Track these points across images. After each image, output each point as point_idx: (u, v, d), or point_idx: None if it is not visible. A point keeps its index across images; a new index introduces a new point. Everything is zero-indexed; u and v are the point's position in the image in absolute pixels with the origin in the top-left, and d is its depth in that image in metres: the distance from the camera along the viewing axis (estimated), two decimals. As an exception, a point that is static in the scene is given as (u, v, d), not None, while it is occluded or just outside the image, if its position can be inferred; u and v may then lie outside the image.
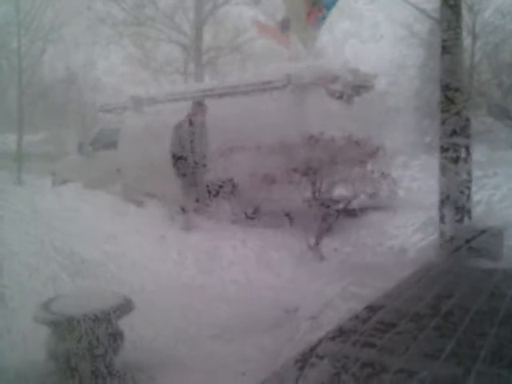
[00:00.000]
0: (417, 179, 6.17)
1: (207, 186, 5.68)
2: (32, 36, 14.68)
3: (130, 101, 8.01)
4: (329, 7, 5.37)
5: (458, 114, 4.47)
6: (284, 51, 9.56)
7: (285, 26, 5.70)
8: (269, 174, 5.11)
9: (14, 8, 14.03)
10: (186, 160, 5.91)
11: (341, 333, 2.11)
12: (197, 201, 5.78)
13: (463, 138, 4.51)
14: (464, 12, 6.68)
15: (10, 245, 3.90)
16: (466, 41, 12.02)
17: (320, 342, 2.01)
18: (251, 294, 3.96)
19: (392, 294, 2.76)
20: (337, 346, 1.98)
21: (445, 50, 4.58)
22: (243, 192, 5.77)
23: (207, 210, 5.82)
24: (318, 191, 5.13)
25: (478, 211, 4.77)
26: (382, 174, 5.25)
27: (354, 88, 6.37)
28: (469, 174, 4.54)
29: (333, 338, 2.04)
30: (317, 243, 5.00)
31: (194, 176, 5.84)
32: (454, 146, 4.49)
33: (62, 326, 2.58)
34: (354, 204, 5.33)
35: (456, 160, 4.49)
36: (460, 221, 4.42)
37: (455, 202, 4.46)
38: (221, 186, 5.71)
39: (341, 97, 6.25)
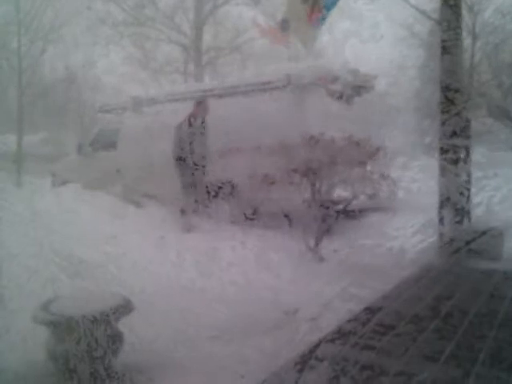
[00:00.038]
0: (416, 180, 6.16)
1: (206, 187, 5.67)
2: (32, 36, 14.65)
3: (129, 101, 8.00)
4: (329, 8, 5.36)
5: (457, 114, 4.46)
6: (284, 51, 9.57)
7: (284, 26, 5.69)
8: (268, 175, 5.10)
9: (14, 8, 14.02)
10: (185, 161, 5.90)
11: (340, 335, 2.10)
12: (196, 202, 5.78)
13: (463, 139, 4.50)
14: (464, 12, 6.67)
15: (9, 247, 3.90)
16: (466, 41, 12.01)
17: (319, 344, 2.01)
18: (250, 295, 3.95)
19: (391, 295, 2.75)
20: (336, 348, 1.97)
21: (445, 50, 4.57)
22: (243, 193, 5.76)
23: (207, 211, 5.81)
24: (317, 192, 5.13)
25: (477, 213, 4.76)
26: (382, 174, 5.24)
27: (354, 88, 6.36)
28: (468, 175, 4.53)
29: (332, 341, 2.03)
30: (316, 244, 5.00)
31: (193, 177, 5.84)
32: (453, 148, 4.48)
33: (61, 326, 2.58)
34: (354, 205, 5.33)
35: (456, 161, 4.48)
36: (460, 222, 4.42)
37: (455, 204, 4.45)
38: (220, 188, 5.70)
39: (341, 97, 6.24)
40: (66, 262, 3.95)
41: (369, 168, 5.26)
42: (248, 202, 5.66)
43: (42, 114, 19.38)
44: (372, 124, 6.23)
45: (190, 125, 5.98)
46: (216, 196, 5.68)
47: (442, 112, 4.55)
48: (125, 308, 2.75)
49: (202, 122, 5.94)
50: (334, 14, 5.79)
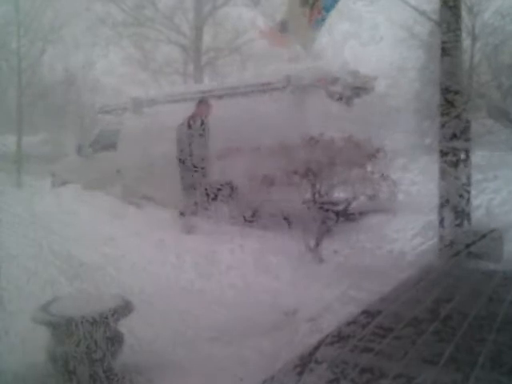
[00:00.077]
0: (416, 183, 6.15)
1: (205, 190, 5.66)
2: (32, 37, 14.65)
3: (129, 102, 8.01)
4: (328, 9, 5.36)
5: (457, 117, 4.46)
6: (284, 52, 9.57)
7: (283, 27, 5.69)
8: (268, 176, 5.10)
9: (13, 8, 14.01)
10: (184, 163, 5.90)
11: (339, 338, 2.10)
12: (195, 204, 5.77)
13: (463, 142, 4.50)
14: (464, 13, 6.67)
15: (9, 248, 3.90)
16: (466, 42, 12.02)
17: (318, 346, 2.01)
18: (249, 298, 3.95)
19: (390, 297, 2.75)
20: (335, 351, 1.97)
21: (444, 52, 4.57)
22: (242, 194, 5.76)
23: (207, 212, 5.81)
24: (317, 193, 5.12)
25: (477, 215, 4.76)
26: (382, 175, 5.25)
27: (353, 90, 6.36)
28: (468, 177, 4.53)
29: (331, 343, 2.03)
30: (316, 245, 5.00)
31: (192, 179, 5.83)
32: (453, 150, 4.48)
33: (61, 327, 2.58)
34: (354, 207, 5.33)
35: (456, 164, 4.48)
36: (460, 225, 4.41)
37: (455, 206, 4.44)
38: (219, 190, 5.70)
39: (340, 98, 6.24)
40: (66, 263, 3.95)
41: (369, 169, 5.27)
42: (247, 204, 5.66)
43: (42, 114, 19.36)
44: (372, 125, 6.23)
45: (189, 126, 5.97)
46: (215, 198, 5.67)
47: (442, 114, 4.54)
48: (124, 309, 2.75)
49: (202, 124, 5.93)
50: (334, 15, 5.79)
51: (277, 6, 10.84)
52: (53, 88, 19.31)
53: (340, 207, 5.20)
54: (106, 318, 2.62)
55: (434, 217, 4.59)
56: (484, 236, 4.05)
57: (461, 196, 4.44)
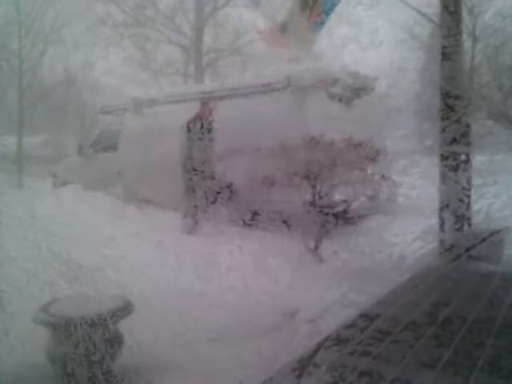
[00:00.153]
0: (416, 187, 6.14)
1: (205, 193, 5.65)
2: (33, 37, 14.68)
3: (130, 102, 8.01)
4: (327, 13, 5.37)
5: (457, 121, 4.45)
6: (284, 53, 9.57)
7: (283, 29, 5.70)
8: (268, 177, 5.10)
9: (14, 9, 14.02)
10: (185, 165, 5.90)
11: (338, 341, 2.10)
12: (195, 207, 5.77)
13: (463, 146, 4.49)
14: (464, 14, 6.65)
15: (9, 250, 3.91)
16: (466, 43, 12.00)
17: (316, 349, 2.01)
18: (249, 299, 3.95)
19: (389, 300, 2.75)
20: (333, 354, 1.97)
21: (445, 56, 4.56)
22: (243, 195, 5.75)
23: (207, 213, 5.81)
24: (317, 194, 5.12)
25: (477, 220, 4.75)
26: (383, 176, 5.25)
27: (354, 91, 6.36)
28: (469, 182, 4.52)
29: (329, 347, 2.03)
30: (316, 247, 5.00)
31: (191, 182, 5.83)
32: (453, 154, 4.48)
33: (60, 328, 2.58)
34: (353, 209, 5.32)
35: (456, 168, 4.47)
36: (460, 229, 4.41)
37: (455, 210, 4.44)
38: (219, 193, 5.69)
39: (341, 99, 6.23)
40: (65, 265, 3.95)
41: (369, 170, 5.26)
42: (248, 205, 5.66)
43: (43, 115, 19.39)
44: (372, 126, 6.22)
45: (189, 130, 5.96)
46: (215, 201, 5.67)
47: (442, 119, 4.54)
48: (123, 311, 2.75)
49: (202, 127, 5.92)
50: (334, 19, 5.80)
51: (277, 8, 10.85)
52: (53, 89, 19.34)
53: (340, 208, 5.20)
54: (105, 319, 2.62)
55: (434, 220, 4.59)
56: (484, 239, 4.05)
57: (461, 200, 4.43)
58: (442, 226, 4.50)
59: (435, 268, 3.67)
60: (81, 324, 2.54)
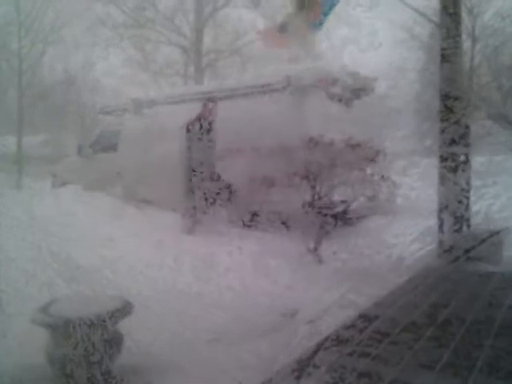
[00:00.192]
0: (415, 188, 6.13)
1: (204, 193, 5.65)
2: (33, 37, 14.69)
3: (129, 103, 8.01)
4: (326, 13, 5.38)
5: (457, 122, 4.46)
6: (283, 53, 9.55)
7: (282, 29, 5.70)
8: (268, 177, 5.10)
9: (14, 8, 14.03)
10: (186, 165, 5.89)
11: (337, 342, 2.10)
12: (194, 208, 5.77)
13: (462, 147, 4.50)
14: (463, 15, 6.65)
15: (8, 251, 3.91)
16: (466, 44, 12.02)
17: (316, 351, 2.00)
18: (248, 300, 3.95)
19: (388, 301, 2.74)
20: (333, 355, 1.97)
21: (444, 58, 4.56)
22: (242, 196, 5.75)
23: (207, 213, 5.80)
24: (317, 194, 5.12)
25: (477, 221, 4.75)
26: (382, 176, 5.25)
27: (353, 91, 6.35)
28: (468, 182, 4.52)
29: (329, 348, 2.03)
30: (315, 248, 4.99)
31: (190, 183, 5.82)
32: (452, 155, 4.48)
33: (59, 329, 2.58)
34: (353, 210, 5.32)
35: (455, 169, 4.47)
36: (459, 230, 4.41)
37: (454, 211, 4.44)
38: (218, 193, 5.69)
39: (340, 100, 6.23)
40: (64, 266, 3.95)
41: (368, 171, 5.26)
42: (247, 205, 5.66)
43: (42, 115, 19.40)
44: (371, 126, 6.22)
45: (188, 131, 5.96)
46: (214, 202, 5.66)
47: (442, 120, 4.54)
48: (122, 311, 2.74)
49: (201, 127, 5.91)
50: (333, 20, 5.81)
51: (277, 8, 10.85)
52: (53, 89, 19.35)
53: (339, 209, 5.20)
54: (104, 320, 2.61)
55: (433, 221, 4.58)
56: (483, 240, 4.04)
57: (460, 201, 4.43)
58: (441, 226, 4.50)
59: (434, 269, 3.66)
60: (80, 325, 2.53)
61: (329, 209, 5.00)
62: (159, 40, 15.28)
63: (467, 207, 4.51)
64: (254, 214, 5.58)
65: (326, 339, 2.15)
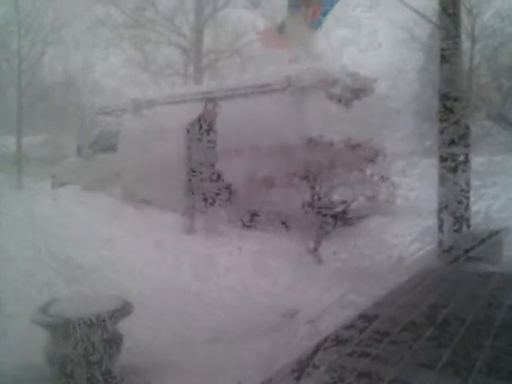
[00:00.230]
0: (415, 188, 6.13)
1: (203, 193, 5.65)
2: (32, 37, 14.69)
3: (129, 103, 8.01)
4: (324, 13, 5.38)
5: (456, 123, 4.46)
6: (283, 54, 9.55)
7: (281, 29, 5.70)
8: (267, 177, 5.11)
9: (14, 8, 14.03)
10: (187, 166, 5.89)
11: (337, 342, 2.10)
12: (193, 208, 5.77)
13: (462, 148, 4.50)
14: (463, 15, 6.68)
15: (7, 251, 3.90)
16: (465, 44, 12.03)
17: (316, 350, 2.01)
18: (247, 300, 3.95)
19: (388, 301, 2.75)
20: (333, 355, 1.97)
21: (444, 59, 4.57)
22: (242, 196, 5.75)
23: (207, 213, 5.80)
24: (317, 195, 5.13)
25: (476, 221, 4.75)
26: (382, 177, 5.25)
27: (353, 92, 6.36)
28: (467, 183, 4.53)
29: (329, 348, 2.03)
30: (315, 248, 5.00)
31: (190, 183, 5.83)
32: (452, 156, 4.48)
33: (58, 329, 2.58)
34: (352, 210, 5.33)
35: (455, 169, 4.48)
36: (459, 230, 4.41)
37: (454, 212, 4.44)
38: (218, 193, 5.69)
39: (340, 100, 6.23)
40: (63, 266, 3.95)
41: (368, 171, 5.27)
42: (247, 205, 5.66)
43: (42, 115, 19.40)
44: (371, 127, 6.22)
45: (188, 132, 5.96)
46: (213, 202, 5.66)
47: (441, 120, 4.55)
48: (122, 311, 2.74)
49: (202, 128, 5.91)
50: (332, 21, 5.80)
51: (277, 8, 10.83)
52: (53, 89, 19.36)
53: (339, 209, 5.20)
54: (104, 320, 2.61)
55: (433, 222, 4.58)
56: (483, 240, 4.05)
57: (460, 201, 4.44)
58: (440, 227, 4.50)
59: (434, 269, 3.66)
60: (79, 325, 2.53)
61: (328, 209, 5.00)
62: (159, 40, 15.29)
63: (467, 207, 4.52)
64: (254, 214, 5.58)
65: (326, 339, 2.15)
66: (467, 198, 4.51)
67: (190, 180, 5.82)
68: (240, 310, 3.70)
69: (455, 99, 4.51)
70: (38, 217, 5.31)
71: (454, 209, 4.44)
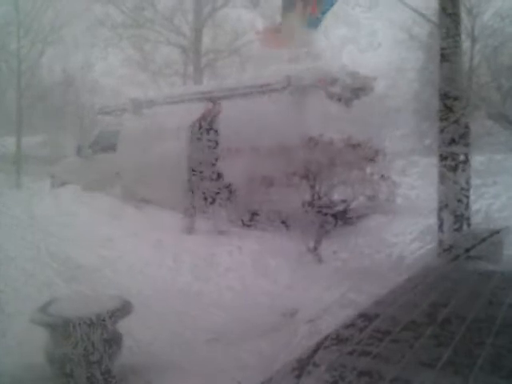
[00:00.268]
0: (415, 187, 6.13)
1: (203, 193, 5.65)
2: (32, 37, 14.69)
3: (128, 103, 8.01)
4: (324, 11, 5.37)
5: (456, 122, 4.46)
6: (283, 53, 9.55)
7: (280, 29, 5.70)
8: (267, 177, 5.10)
9: (13, 8, 14.02)
10: (188, 165, 5.89)
11: (337, 341, 2.09)
12: (193, 207, 5.77)
13: (462, 147, 4.49)
14: (463, 15, 6.68)
15: (7, 250, 3.90)
16: (465, 44, 12.03)
17: (316, 350, 2.00)
18: (247, 299, 3.95)
19: (388, 300, 2.74)
20: (333, 354, 1.96)
21: (444, 58, 4.56)
22: (242, 195, 5.75)
23: (207, 213, 5.80)
24: (317, 194, 5.12)
25: (477, 220, 4.75)
26: (382, 176, 5.25)
27: (353, 91, 6.35)
28: (467, 182, 4.52)
29: (329, 347, 2.02)
30: (315, 247, 4.99)
31: (190, 182, 5.82)
32: (452, 155, 4.48)
33: (58, 328, 2.58)
34: (353, 209, 5.32)
35: (455, 168, 4.47)
36: (459, 229, 4.41)
37: (454, 211, 4.44)
38: (218, 192, 5.69)
39: (340, 99, 6.23)
40: (63, 265, 3.94)
41: (368, 170, 5.26)
42: (247, 205, 5.66)
43: (41, 115, 19.40)
44: (371, 126, 6.22)
45: (191, 131, 5.96)
46: (213, 202, 5.66)
47: (441, 119, 4.54)
48: (122, 311, 2.74)
49: (200, 128, 5.90)
50: (331, 21, 5.80)
51: (276, 8, 10.82)
52: (52, 89, 19.36)
53: (339, 208, 5.20)
54: (103, 319, 2.61)
55: (433, 221, 4.58)
56: (483, 239, 4.04)
57: (460, 200, 4.43)
58: (440, 226, 4.49)
59: (434, 268, 3.66)
60: (79, 324, 2.53)
61: (329, 208, 4.99)
62: (158, 40, 15.29)
63: (467, 206, 4.51)
64: (254, 214, 5.58)
65: (326, 338, 2.14)
66: (467, 197, 4.51)
67: (190, 179, 5.81)
68: (240, 310, 3.69)
69: (455, 98, 4.50)
70: (37, 216, 5.31)
71: (454, 208, 4.44)
